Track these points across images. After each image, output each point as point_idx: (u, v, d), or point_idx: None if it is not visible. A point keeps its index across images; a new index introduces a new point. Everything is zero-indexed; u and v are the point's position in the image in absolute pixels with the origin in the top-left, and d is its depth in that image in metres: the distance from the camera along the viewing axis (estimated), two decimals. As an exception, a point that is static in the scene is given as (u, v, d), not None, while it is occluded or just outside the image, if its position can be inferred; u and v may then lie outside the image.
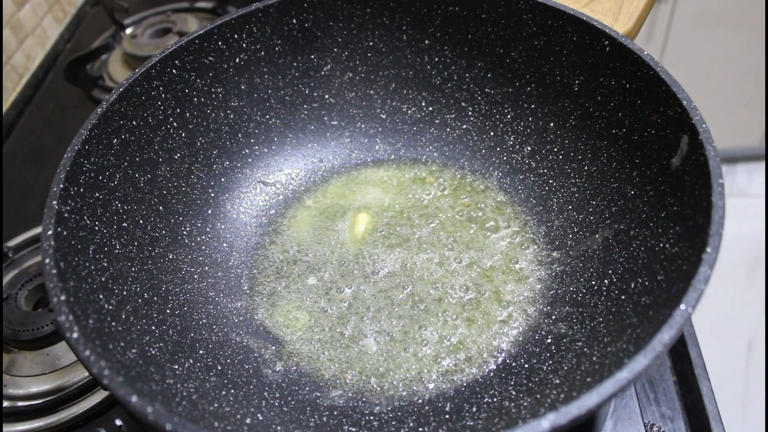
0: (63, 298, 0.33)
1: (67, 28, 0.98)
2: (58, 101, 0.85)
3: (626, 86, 0.45)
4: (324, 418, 0.42)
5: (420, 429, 0.40)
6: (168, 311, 0.44)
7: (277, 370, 0.45)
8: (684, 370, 0.49)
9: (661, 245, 0.39)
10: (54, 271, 0.34)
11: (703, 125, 0.38)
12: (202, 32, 0.50)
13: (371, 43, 0.57)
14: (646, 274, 0.40)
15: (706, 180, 0.36)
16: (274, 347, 0.47)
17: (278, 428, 0.39)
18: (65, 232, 0.38)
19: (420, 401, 0.43)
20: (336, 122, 0.59)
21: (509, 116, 0.55)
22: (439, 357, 0.45)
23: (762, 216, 1.59)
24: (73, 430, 0.50)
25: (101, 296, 0.38)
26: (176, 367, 0.39)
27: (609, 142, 0.48)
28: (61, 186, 0.39)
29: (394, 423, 0.41)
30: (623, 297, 0.41)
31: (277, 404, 0.42)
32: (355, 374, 0.45)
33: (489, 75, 0.55)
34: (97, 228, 0.41)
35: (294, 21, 0.54)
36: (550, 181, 0.52)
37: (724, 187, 0.35)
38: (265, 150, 0.57)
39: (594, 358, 0.38)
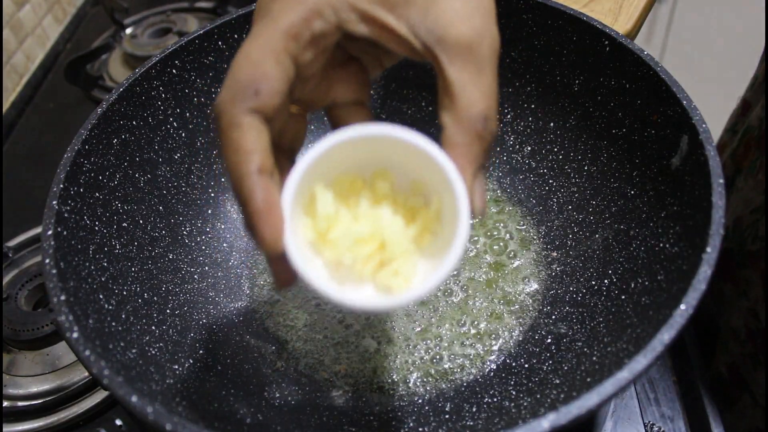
0: (63, 298, 0.33)
1: (67, 28, 0.98)
2: (58, 101, 0.85)
3: (626, 86, 0.45)
4: (324, 418, 0.42)
5: (420, 429, 0.40)
6: (168, 311, 0.44)
7: (277, 370, 0.45)
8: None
9: (661, 245, 0.39)
10: (54, 271, 0.34)
11: (703, 125, 0.38)
12: (202, 32, 0.50)
13: (371, 43, 0.57)
14: (646, 274, 0.40)
15: (706, 180, 0.36)
16: (274, 347, 0.47)
17: (278, 428, 0.39)
18: (65, 232, 0.38)
19: (420, 401, 0.43)
20: (336, 122, 0.59)
21: (509, 116, 0.55)
22: (438, 357, 0.45)
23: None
24: (73, 430, 0.50)
25: (101, 296, 0.38)
26: (176, 367, 0.39)
27: (609, 142, 0.48)
28: (61, 186, 0.39)
29: (394, 423, 0.41)
30: (623, 297, 0.41)
31: (277, 404, 0.42)
32: (355, 374, 0.45)
33: (489, 75, 0.55)
34: (97, 228, 0.41)
35: (294, 21, 0.54)
36: (550, 181, 0.52)
37: (724, 187, 0.35)
38: (265, 150, 0.57)
39: (594, 358, 0.38)
